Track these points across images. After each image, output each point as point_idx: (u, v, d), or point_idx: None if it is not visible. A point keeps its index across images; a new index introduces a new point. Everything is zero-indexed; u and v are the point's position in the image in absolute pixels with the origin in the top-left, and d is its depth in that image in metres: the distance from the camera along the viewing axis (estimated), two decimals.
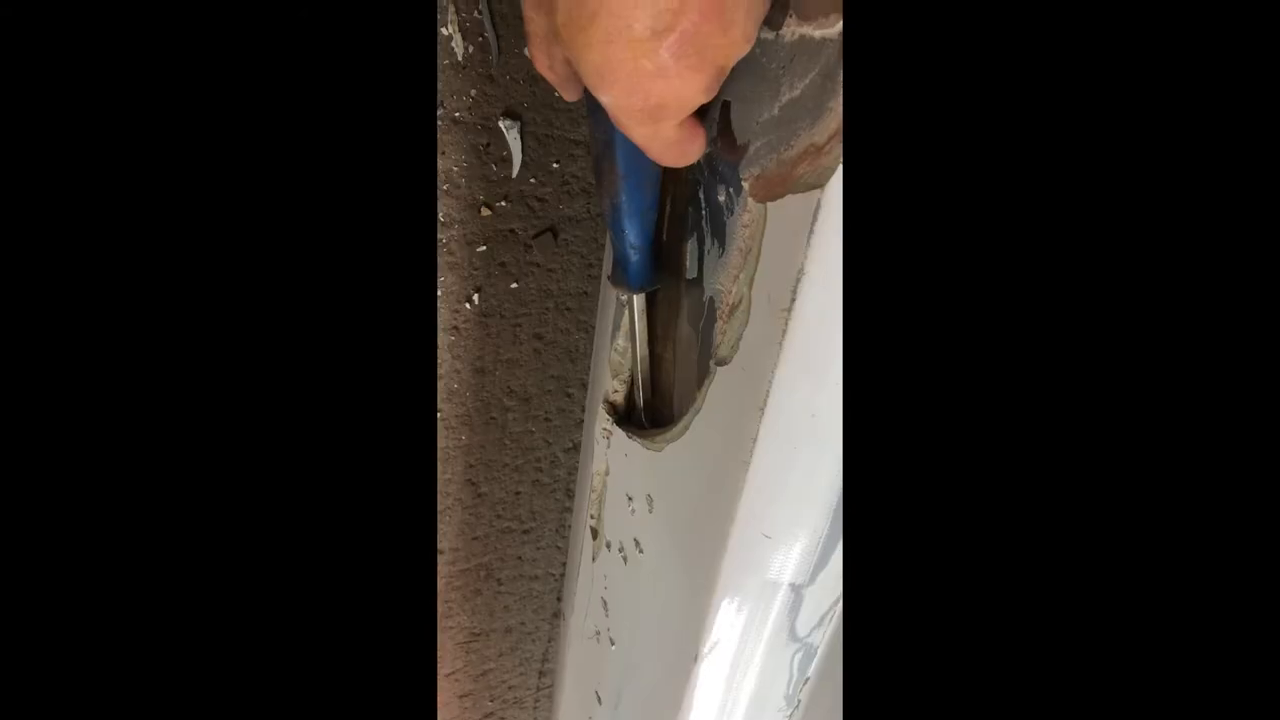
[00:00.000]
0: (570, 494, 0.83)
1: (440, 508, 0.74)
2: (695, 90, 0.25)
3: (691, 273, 0.33)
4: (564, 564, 0.87)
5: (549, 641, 0.90)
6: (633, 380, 0.39)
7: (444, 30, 0.54)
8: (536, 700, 0.93)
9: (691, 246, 0.33)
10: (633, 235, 0.34)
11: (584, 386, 0.78)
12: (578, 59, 0.24)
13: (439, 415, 0.69)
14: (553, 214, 0.66)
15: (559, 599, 0.89)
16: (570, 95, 0.30)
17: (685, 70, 0.24)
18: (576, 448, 0.81)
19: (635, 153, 0.29)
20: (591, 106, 0.31)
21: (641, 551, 0.39)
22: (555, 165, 0.64)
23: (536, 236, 0.67)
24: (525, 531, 0.82)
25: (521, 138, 0.61)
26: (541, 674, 0.92)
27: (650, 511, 0.38)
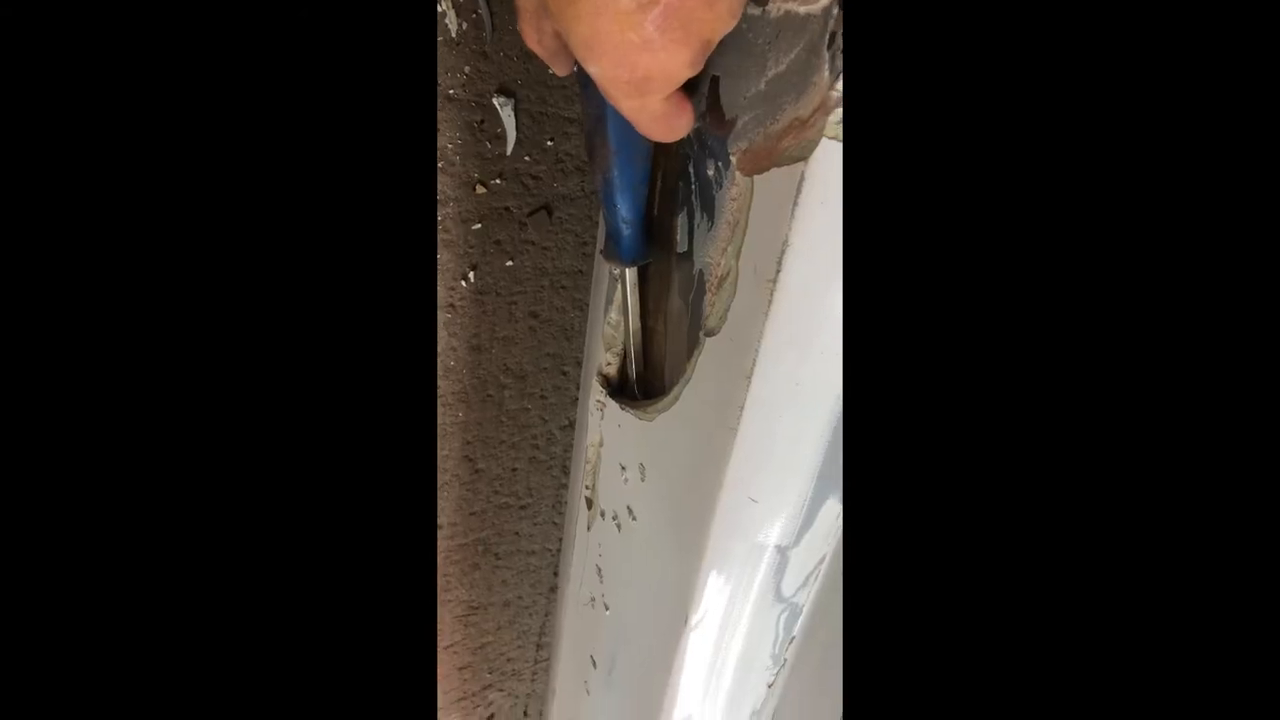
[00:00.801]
0: (566, 470, 0.85)
1: (439, 484, 0.75)
2: (680, 64, 0.25)
3: (682, 246, 0.34)
4: (560, 539, 0.88)
5: (545, 615, 0.92)
6: (625, 353, 0.40)
7: (439, 7, 0.54)
8: (534, 673, 0.95)
9: (682, 220, 0.34)
10: (625, 209, 0.34)
11: (579, 364, 0.79)
12: (567, 31, 0.25)
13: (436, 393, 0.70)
14: (547, 192, 0.67)
15: (555, 573, 0.91)
16: (561, 69, 0.30)
17: (670, 44, 0.24)
18: (572, 425, 0.82)
19: (627, 128, 0.30)
20: (583, 81, 0.31)
21: (634, 519, 0.40)
22: (549, 143, 0.64)
23: (531, 214, 0.67)
24: (522, 507, 0.83)
25: (516, 115, 0.61)
26: (539, 647, 0.94)
27: (643, 480, 0.39)
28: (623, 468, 0.40)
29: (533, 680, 0.96)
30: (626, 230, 0.35)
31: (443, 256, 0.65)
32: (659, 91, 0.26)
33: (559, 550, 0.90)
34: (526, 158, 0.64)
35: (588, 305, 0.77)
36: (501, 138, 0.62)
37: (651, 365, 0.39)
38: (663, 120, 0.28)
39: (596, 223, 0.72)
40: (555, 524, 0.87)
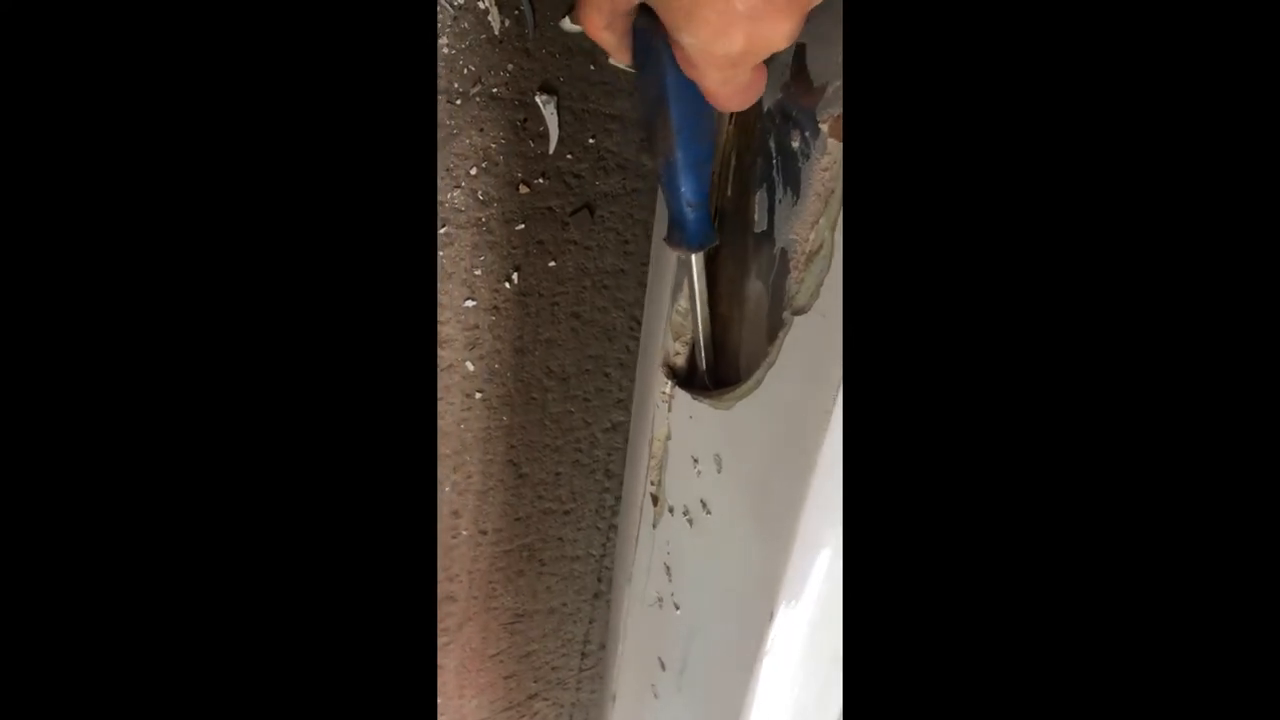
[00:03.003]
0: (609, 474, 0.83)
1: (483, 488, 0.74)
2: (781, 35, 0.24)
3: (761, 225, 0.33)
4: (604, 544, 0.87)
5: (590, 622, 0.91)
6: (694, 342, 0.39)
7: (480, 4, 0.54)
8: (579, 682, 0.93)
9: (760, 198, 0.33)
10: (689, 191, 0.33)
11: (621, 366, 0.78)
12: (664, 2, 0.24)
13: (480, 396, 0.69)
14: (589, 190, 0.66)
15: (599, 579, 0.90)
16: (623, 57, 0.30)
17: (775, 13, 0.23)
18: (615, 428, 0.80)
19: (691, 104, 0.29)
20: (641, 62, 0.30)
21: (709, 513, 0.39)
22: (591, 140, 0.64)
23: (573, 214, 0.67)
24: (566, 512, 0.82)
25: (558, 112, 0.61)
26: (584, 655, 0.93)
27: (719, 471, 0.37)
28: (695, 460, 0.39)
29: (577, 689, 0.94)
30: (692, 213, 0.34)
31: (487, 257, 0.64)
32: (753, 63, 0.25)
33: (602, 556, 0.89)
34: (568, 156, 0.64)
35: (628, 304, 0.76)
36: (544, 136, 0.62)
37: (724, 353, 0.38)
38: (744, 91, 0.27)
39: (639, 221, 0.71)
40: (598, 529, 0.86)
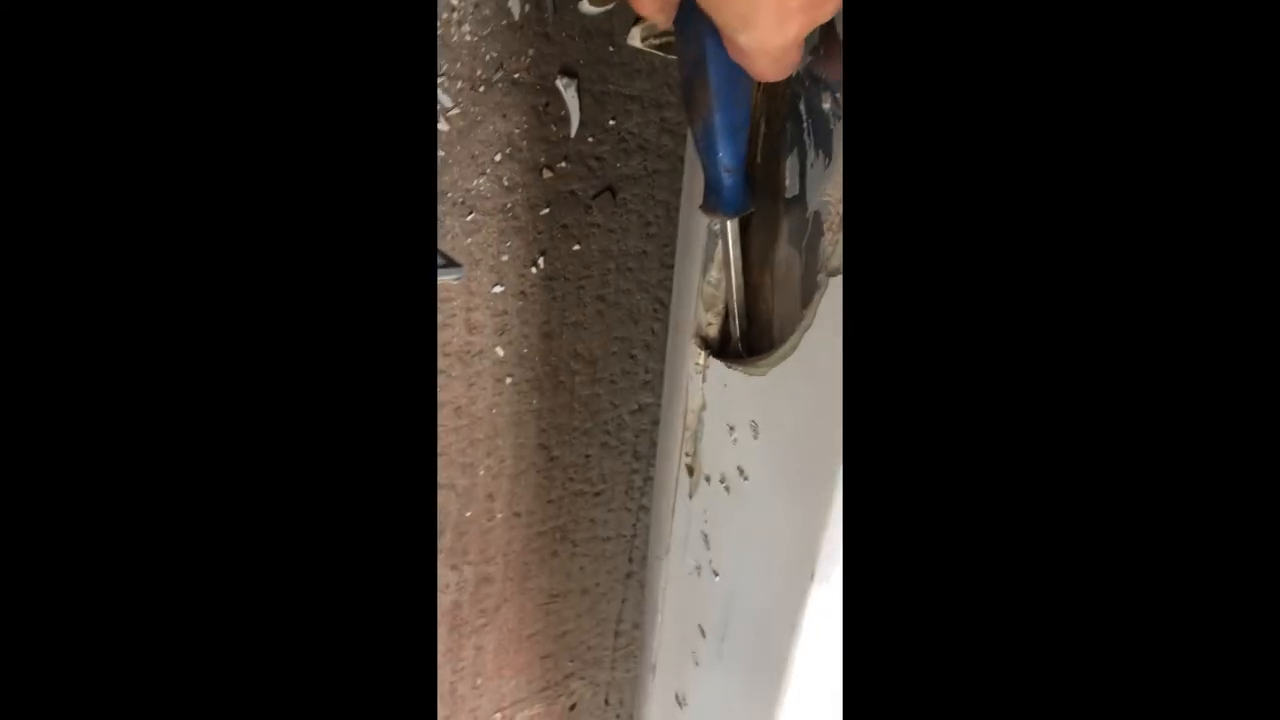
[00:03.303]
0: (637, 456, 0.84)
1: (515, 472, 0.75)
2: (832, 9, 0.25)
3: (793, 190, 0.33)
4: (634, 525, 0.88)
5: (623, 602, 0.92)
6: (728, 311, 0.40)
7: None
8: (614, 661, 0.95)
9: (791, 162, 0.33)
10: (727, 156, 0.33)
11: (647, 348, 0.78)
12: (717, 6, 0.24)
13: (510, 381, 0.70)
14: (611, 173, 0.67)
15: (630, 560, 0.91)
16: (667, 20, 0.30)
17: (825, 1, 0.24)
18: (642, 410, 0.81)
19: (730, 67, 0.29)
20: (680, 25, 0.31)
21: (746, 479, 0.39)
22: (611, 122, 0.64)
23: (596, 197, 0.67)
24: (596, 494, 0.83)
25: (579, 95, 0.61)
26: (617, 634, 0.94)
27: (755, 437, 0.38)
28: (731, 428, 0.40)
29: (612, 668, 0.96)
30: (729, 179, 0.34)
31: (513, 243, 0.65)
32: (801, 42, 0.26)
33: (633, 536, 0.90)
34: (590, 139, 0.64)
35: (652, 286, 0.76)
36: (565, 120, 0.62)
37: (757, 321, 0.38)
38: (785, 58, 0.27)
39: (661, 201, 0.72)
40: (628, 510, 0.87)
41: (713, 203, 0.35)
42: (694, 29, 0.29)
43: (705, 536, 0.44)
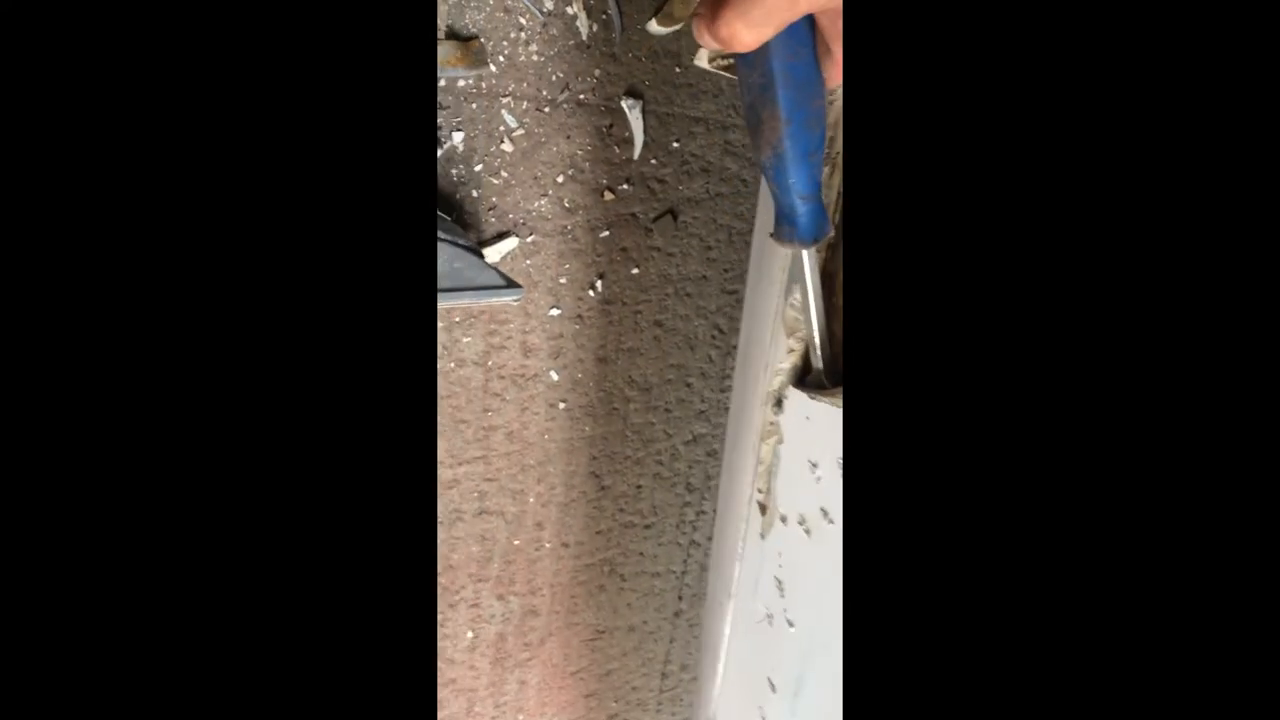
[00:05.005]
0: (691, 489, 0.81)
1: (565, 500, 0.73)
2: None
3: None
4: (685, 561, 0.84)
5: (670, 642, 0.88)
6: (809, 340, 0.37)
7: (569, 9, 0.54)
8: (659, 703, 0.91)
9: None
10: (800, 184, 0.31)
11: (703, 376, 0.76)
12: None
13: (564, 406, 0.68)
14: (673, 195, 0.65)
15: (679, 597, 0.87)
16: (758, 41, 0.28)
17: None
18: (696, 440, 0.78)
19: (801, 90, 0.27)
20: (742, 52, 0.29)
21: (831, 521, 0.36)
22: (675, 144, 0.63)
23: (657, 219, 0.66)
24: (647, 526, 0.80)
25: (643, 117, 0.60)
26: (664, 675, 0.90)
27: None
28: (814, 465, 0.37)
29: (657, 711, 0.91)
30: (804, 206, 0.32)
31: (572, 266, 0.64)
32: None
33: (683, 573, 0.86)
34: (653, 160, 0.63)
35: (710, 312, 0.74)
36: (629, 142, 0.61)
37: (843, 348, 0.35)
38: None
39: (721, 226, 0.70)
40: (679, 545, 0.83)
41: (787, 233, 0.33)
42: (757, 56, 0.27)
43: (779, 583, 0.41)
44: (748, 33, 0.25)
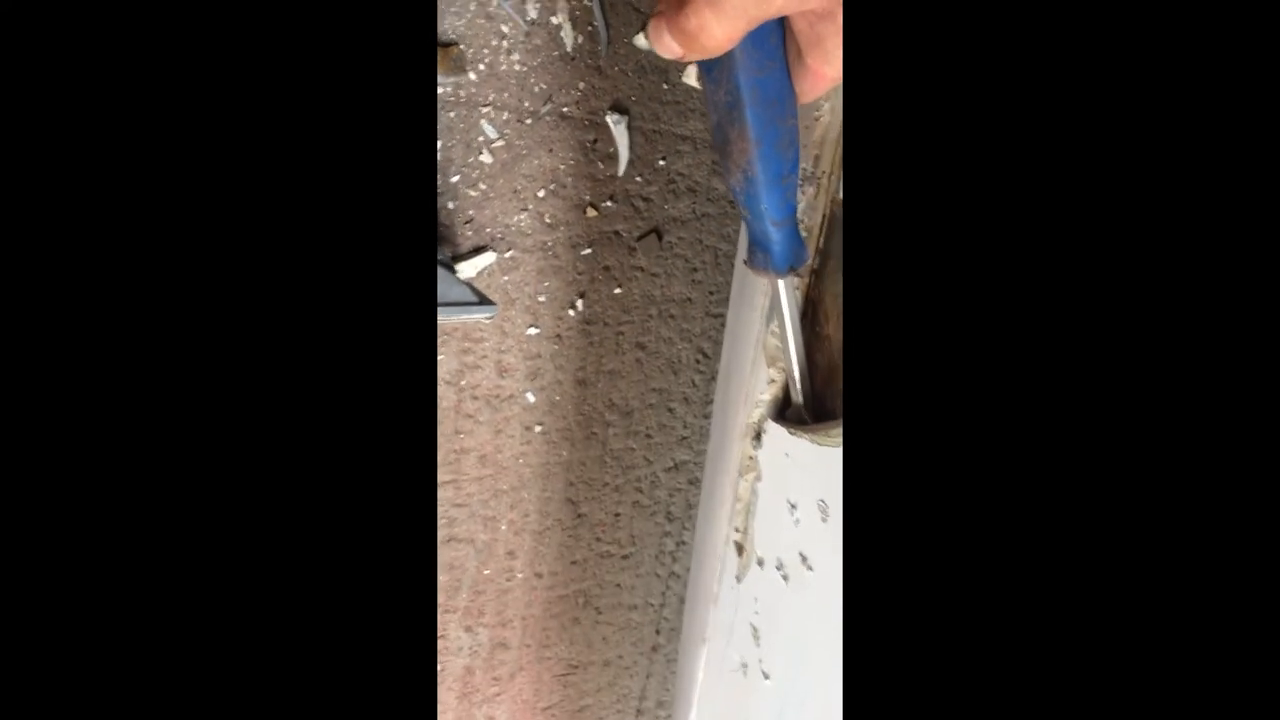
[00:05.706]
0: (671, 518, 0.78)
1: (540, 528, 0.70)
2: None
3: None
4: (663, 593, 0.81)
5: (646, 678, 0.84)
6: (788, 373, 0.34)
7: (554, 19, 0.52)
8: None
9: None
10: (773, 209, 0.29)
11: (686, 401, 0.73)
12: (830, 60, 0.24)
13: (540, 429, 0.66)
14: (658, 214, 0.63)
15: (657, 632, 0.83)
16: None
17: None
18: (678, 467, 0.76)
19: (770, 109, 0.26)
20: (707, 67, 0.27)
21: (810, 568, 0.33)
22: (661, 162, 0.61)
23: (641, 239, 0.63)
24: (625, 557, 0.77)
25: (629, 133, 0.58)
26: (639, 712, 0.86)
27: (824, 520, 0.32)
28: (793, 506, 0.34)
29: None
30: (778, 232, 0.30)
31: (551, 283, 0.61)
32: None
33: (661, 605, 0.83)
34: (638, 178, 0.61)
35: (695, 336, 0.72)
36: (613, 158, 0.59)
37: (830, 383, 0.33)
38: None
39: (708, 246, 0.68)
40: (657, 576, 0.80)
41: (760, 260, 0.30)
42: (723, 71, 0.26)
43: (755, 630, 0.38)
44: (718, 24, 0.23)
